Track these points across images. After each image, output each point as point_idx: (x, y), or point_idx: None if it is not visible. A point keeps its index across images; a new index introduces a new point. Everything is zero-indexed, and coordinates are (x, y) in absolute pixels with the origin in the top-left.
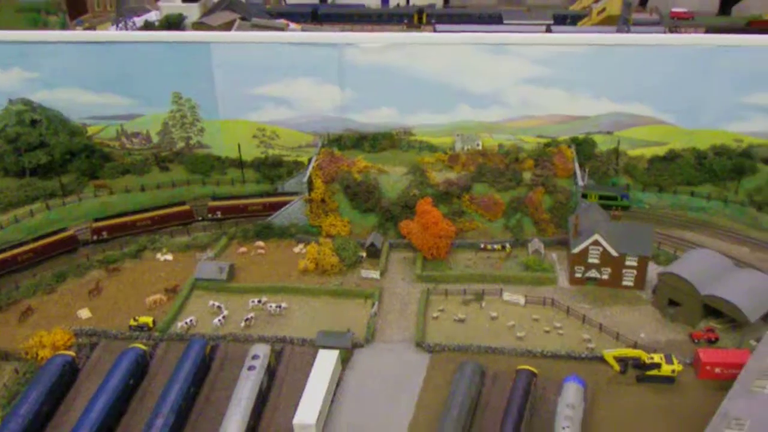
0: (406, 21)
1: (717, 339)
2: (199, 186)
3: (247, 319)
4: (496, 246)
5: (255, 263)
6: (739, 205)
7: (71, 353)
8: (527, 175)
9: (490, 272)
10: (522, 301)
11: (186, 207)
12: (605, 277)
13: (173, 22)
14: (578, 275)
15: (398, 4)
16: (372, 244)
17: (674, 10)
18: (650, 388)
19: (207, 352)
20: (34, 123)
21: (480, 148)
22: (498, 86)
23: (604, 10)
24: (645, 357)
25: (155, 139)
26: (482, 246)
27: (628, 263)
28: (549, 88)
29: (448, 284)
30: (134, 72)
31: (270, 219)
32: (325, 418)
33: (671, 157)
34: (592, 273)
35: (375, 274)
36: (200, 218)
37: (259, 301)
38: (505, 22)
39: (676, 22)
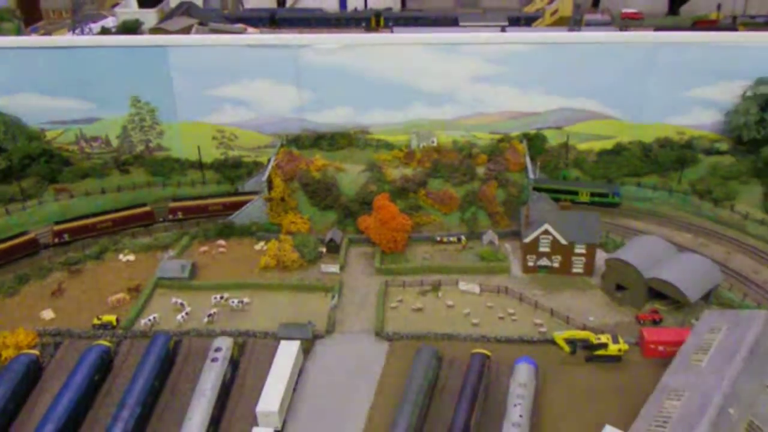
0: (363, 24)
1: (661, 319)
2: (159, 188)
3: (209, 315)
4: (452, 238)
5: (216, 261)
6: (682, 195)
7: (35, 352)
8: (481, 170)
9: (447, 264)
10: (477, 290)
11: (147, 208)
12: (556, 264)
13: (130, 28)
14: (530, 264)
15: (356, 8)
16: (331, 240)
17: (625, 10)
18: (599, 367)
19: (171, 347)
20: None
21: (435, 144)
22: (451, 85)
23: (556, 11)
24: (593, 338)
25: (115, 142)
26: (439, 239)
27: (577, 251)
28: (500, 86)
29: (406, 276)
30: (92, 77)
31: (231, 218)
32: (287, 405)
33: (618, 150)
34: (544, 261)
35: (335, 269)
36: (161, 219)
37: (222, 297)
38: (460, 24)
39: (627, 23)
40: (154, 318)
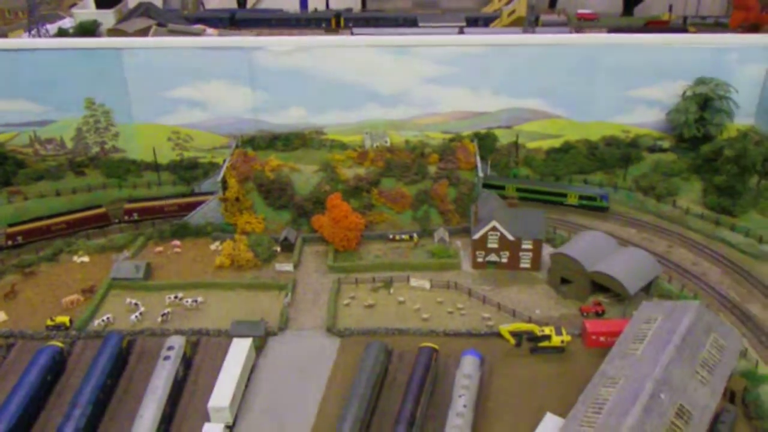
0: (324, 25)
1: (604, 311)
2: (115, 189)
3: (163, 315)
4: (404, 236)
5: (172, 262)
6: (627, 191)
7: None
8: (432, 169)
9: (399, 261)
10: (428, 285)
11: (102, 210)
12: (504, 260)
13: (87, 29)
14: (480, 260)
15: (316, 9)
16: (285, 239)
17: (580, 11)
18: (543, 358)
19: (124, 346)
20: None
21: (388, 144)
22: (404, 85)
23: (514, 11)
24: (537, 330)
25: (70, 144)
26: (391, 237)
27: (524, 246)
28: (452, 87)
29: (358, 273)
30: (45, 79)
31: (186, 219)
32: (239, 401)
33: (566, 148)
34: (492, 257)
35: (289, 267)
36: (117, 221)
37: (176, 297)
38: (420, 24)
39: (582, 23)
40: (108, 318)
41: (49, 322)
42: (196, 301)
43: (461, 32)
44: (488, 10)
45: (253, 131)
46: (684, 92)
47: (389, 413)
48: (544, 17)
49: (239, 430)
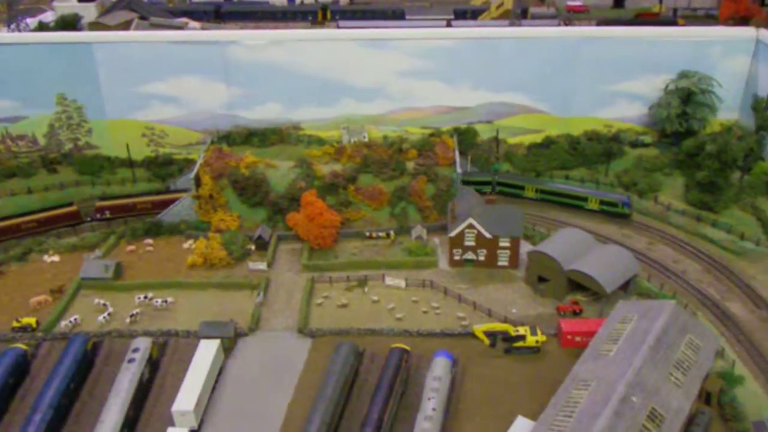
0: (310, 18)
1: (581, 311)
2: (88, 187)
3: (132, 315)
4: (380, 233)
5: (143, 261)
6: (609, 187)
7: None
8: (411, 165)
9: (374, 259)
10: (403, 284)
11: (73, 208)
12: (482, 258)
13: (68, 23)
14: (457, 257)
15: (302, 1)
16: (260, 237)
17: (570, 3)
18: (517, 359)
19: (88, 348)
20: None
21: (366, 140)
22: (381, 80)
23: (502, 4)
24: (511, 330)
25: (42, 141)
26: (368, 234)
27: (501, 244)
28: (430, 81)
29: (333, 272)
30: (15, 74)
31: (159, 216)
32: (205, 404)
33: (547, 143)
34: (469, 255)
35: (262, 266)
36: (88, 219)
37: (146, 297)
38: (407, 17)
39: (571, 15)
40: (75, 319)
41: (15, 324)
42: (165, 301)
43: (449, 25)
44: (477, 2)
45: (228, 127)
46: (666, 86)
47: (358, 416)
48: (533, 9)
49: None
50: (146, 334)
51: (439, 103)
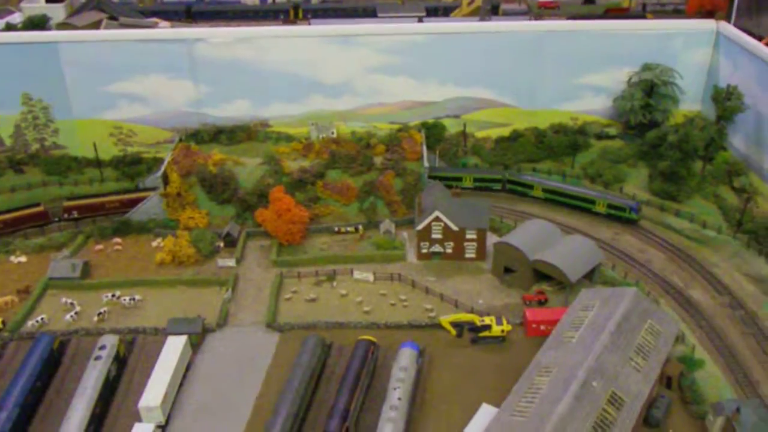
0: (282, 17)
1: (546, 300)
2: (56, 187)
3: (99, 314)
4: (349, 228)
5: (112, 260)
6: (575, 179)
7: None
8: (379, 160)
9: (343, 253)
10: (371, 278)
11: (40, 208)
12: (449, 250)
13: (37, 24)
14: (424, 251)
15: (274, 1)
16: (228, 234)
17: (541, 0)
18: (484, 349)
19: (55, 347)
20: None
21: (334, 135)
22: (348, 76)
23: (473, 1)
24: (477, 320)
25: (8, 141)
26: (336, 229)
27: (468, 236)
28: (397, 76)
29: (302, 267)
30: None
31: (128, 215)
32: (172, 399)
33: (515, 136)
34: (437, 248)
35: (231, 262)
36: (56, 219)
37: (113, 296)
38: (379, 15)
39: (543, 12)
40: (42, 319)
41: None
42: (133, 299)
43: (420, 22)
44: None
45: (196, 125)
46: (629, 79)
47: (326, 407)
48: (505, 6)
49: (172, 429)
50: (114, 332)
51: (407, 99)
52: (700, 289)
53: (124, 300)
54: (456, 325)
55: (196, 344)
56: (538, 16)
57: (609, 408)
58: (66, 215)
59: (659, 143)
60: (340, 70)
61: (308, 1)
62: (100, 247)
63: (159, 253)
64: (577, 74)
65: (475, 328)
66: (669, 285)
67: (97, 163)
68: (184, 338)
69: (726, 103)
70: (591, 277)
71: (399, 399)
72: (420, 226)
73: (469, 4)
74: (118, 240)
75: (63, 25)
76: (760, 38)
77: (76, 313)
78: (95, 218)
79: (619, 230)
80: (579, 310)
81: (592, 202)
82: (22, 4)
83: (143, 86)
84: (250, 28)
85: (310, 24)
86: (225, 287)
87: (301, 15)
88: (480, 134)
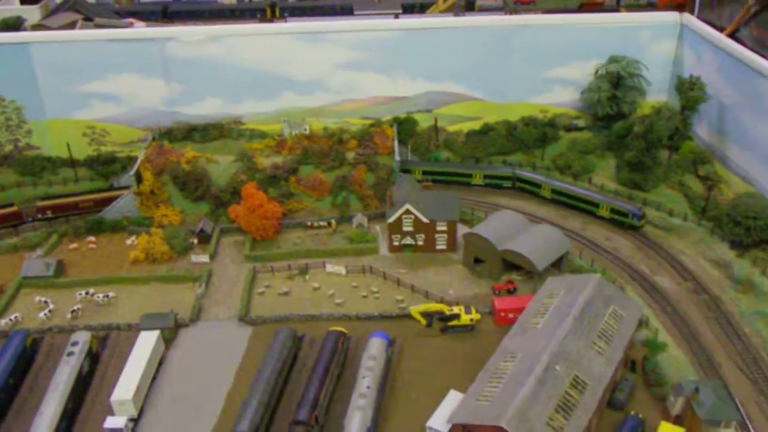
0: (259, 16)
1: (516, 289)
2: (30, 188)
3: (73, 311)
4: (322, 223)
5: (86, 258)
6: (545, 170)
7: None
8: (351, 155)
9: (316, 247)
10: (343, 271)
11: (14, 208)
12: (420, 242)
13: (11, 26)
14: (396, 243)
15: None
16: (202, 231)
17: None
18: (453, 338)
19: (28, 344)
20: None
21: (307, 132)
22: (320, 72)
23: None
24: (446, 310)
25: None
26: (309, 224)
27: (439, 228)
28: (368, 72)
29: (276, 262)
30: None
31: (101, 214)
32: (144, 393)
33: (486, 130)
34: (408, 240)
35: (204, 258)
36: (30, 219)
37: (87, 293)
38: (355, 12)
39: (518, 7)
40: (16, 317)
41: None
42: (107, 296)
43: (396, 18)
44: None
45: (169, 123)
46: (596, 71)
47: (297, 398)
48: (481, 2)
49: (145, 422)
50: (87, 328)
51: (379, 94)
52: (666, 275)
53: (98, 297)
54: (426, 315)
55: (169, 339)
56: (514, 12)
57: (572, 391)
58: (40, 215)
59: (625, 134)
60: (312, 67)
61: (285, 0)
62: (74, 245)
63: (133, 251)
64: (547, 67)
65: (444, 318)
66: (636, 272)
67: (71, 163)
68: (156, 333)
69: (689, 93)
70: (559, 265)
71: (368, 387)
72: (391, 219)
73: (445, 0)
74: (92, 239)
75: (38, 27)
76: (721, 29)
77: (49, 311)
78: (69, 217)
79: (587, 220)
80: (544, 297)
81: (596, 205)
82: None
83: (116, 86)
84: (220, 26)
85: (286, 22)
86: (198, 283)
87: (278, 13)
88: (451, 128)
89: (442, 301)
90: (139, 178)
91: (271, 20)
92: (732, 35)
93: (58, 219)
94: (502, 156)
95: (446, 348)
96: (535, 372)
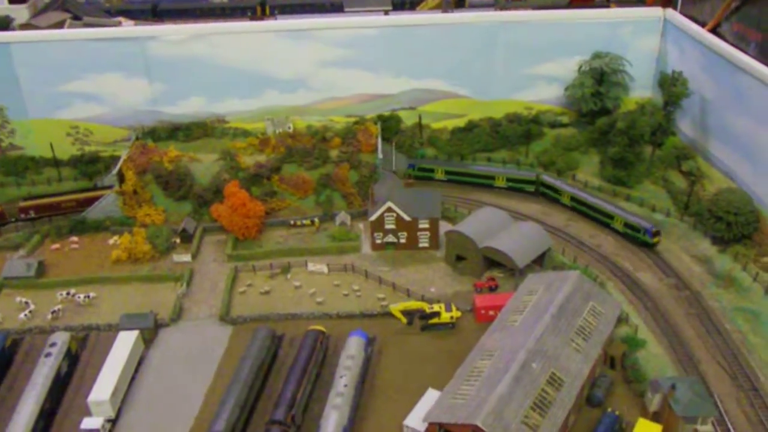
0: (249, 14)
1: (497, 286)
2: (13, 188)
3: (54, 312)
4: (305, 221)
5: (68, 258)
6: (529, 167)
7: None
8: (334, 153)
9: (299, 246)
10: (325, 269)
11: None
12: (403, 240)
13: None
14: (378, 241)
15: None
16: (184, 230)
17: None
18: (434, 335)
19: (7, 345)
20: None
21: (291, 130)
22: (303, 70)
23: None
24: (426, 307)
25: None
26: (292, 222)
27: (421, 226)
28: (352, 70)
29: (258, 261)
30: None
31: (84, 214)
32: (123, 394)
33: (470, 127)
34: (390, 238)
35: (187, 258)
36: (12, 219)
37: (68, 294)
38: (345, 9)
39: (508, 3)
40: None
41: None
42: (88, 296)
43: (386, 15)
44: None
45: (153, 122)
46: (580, 67)
47: (275, 397)
48: None
49: (123, 423)
50: (67, 329)
51: (363, 92)
52: (648, 271)
53: (79, 297)
54: (406, 313)
55: (148, 339)
56: (504, 8)
57: (548, 388)
58: (23, 215)
59: (608, 130)
60: (296, 64)
61: None
62: (56, 246)
63: (115, 251)
64: (531, 64)
65: (424, 316)
66: (618, 268)
67: (55, 162)
68: (135, 333)
69: (672, 88)
70: (541, 262)
71: (345, 386)
72: (373, 217)
73: None
74: (74, 239)
75: (26, 26)
76: (704, 25)
77: (30, 311)
78: (52, 217)
79: (572, 216)
80: (524, 294)
81: (611, 217)
82: None
83: (98, 85)
84: (202, 24)
85: (276, 20)
86: (180, 282)
87: (268, 11)
88: (436, 125)
89: (423, 299)
90: (121, 177)
91: (261, 18)
92: (713, 30)
93: (41, 219)
94: (486, 153)
95: (426, 346)
96: (512, 370)
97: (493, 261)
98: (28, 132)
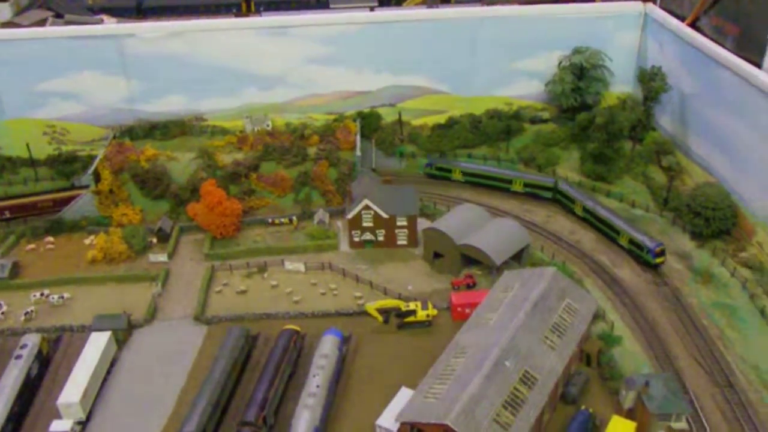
0: (234, 10)
1: (475, 284)
2: None
3: (27, 313)
4: (283, 220)
5: (43, 259)
6: (509, 163)
7: None
8: (313, 151)
9: (277, 245)
10: (302, 268)
11: None
12: (381, 238)
13: None
14: (356, 239)
15: None
16: (161, 229)
17: None
18: (410, 333)
19: None
20: None
21: (269, 128)
22: (283, 67)
23: None
24: (402, 306)
25: None
26: (270, 221)
27: (399, 223)
28: (332, 67)
29: (235, 260)
30: None
31: (60, 214)
32: (94, 396)
33: (451, 123)
34: (368, 236)
35: (163, 257)
36: None
37: (42, 294)
38: (331, 6)
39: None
40: None
41: None
42: (62, 297)
43: (372, 11)
44: None
45: (131, 121)
46: (560, 62)
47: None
48: None
49: (94, 425)
50: (40, 330)
51: (342, 89)
52: (627, 267)
53: (53, 298)
54: (383, 311)
55: (122, 340)
56: (490, 4)
57: (521, 386)
58: None
59: (588, 125)
60: (275, 62)
61: None
62: (31, 246)
63: (90, 251)
64: (512, 59)
65: (400, 314)
66: (596, 264)
67: (31, 162)
68: (107, 334)
69: (651, 83)
70: (519, 258)
71: (317, 386)
72: (350, 215)
73: None
74: (50, 239)
75: (7, 25)
76: (683, 19)
77: (2, 313)
78: (28, 218)
79: (551, 213)
80: (499, 291)
81: (618, 233)
82: None
83: (75, 84)
84: (181, 22)
85: (261, 16)
86: (155, 282)
87: (253, 8)
88: (416, 122)
89: (400, 297)
90: (97, 177)
91: (246, 15)
92: (692, 24)
93: (16, 219)
94: (466, 149)
95: (402, 344)
96: (484, 368)
97: (471, 258)
98: (4, 132)
